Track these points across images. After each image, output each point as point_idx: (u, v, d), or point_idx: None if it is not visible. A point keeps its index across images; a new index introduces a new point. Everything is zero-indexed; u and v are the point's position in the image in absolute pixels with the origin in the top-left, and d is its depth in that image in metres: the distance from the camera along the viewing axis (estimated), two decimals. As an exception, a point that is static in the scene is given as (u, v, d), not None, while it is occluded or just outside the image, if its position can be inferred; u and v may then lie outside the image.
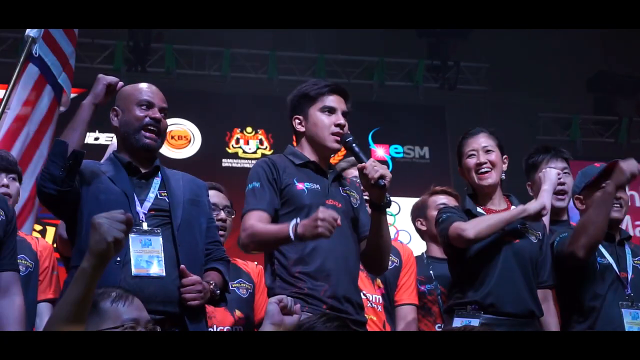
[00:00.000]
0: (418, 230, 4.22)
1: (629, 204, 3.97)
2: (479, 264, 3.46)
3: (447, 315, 3.54)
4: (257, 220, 3.06)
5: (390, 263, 3.59)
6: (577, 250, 3.45)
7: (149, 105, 3.01)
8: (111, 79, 2.99)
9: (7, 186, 3.48)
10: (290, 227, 2.86)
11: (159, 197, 3.02)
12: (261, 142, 9.20)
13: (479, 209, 3.59)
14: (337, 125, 3.13)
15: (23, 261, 3.42)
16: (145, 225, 2.92)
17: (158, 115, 2.99)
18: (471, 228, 3.36)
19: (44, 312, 3.43)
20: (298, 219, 2.89)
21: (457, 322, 3.33)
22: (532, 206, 3.39)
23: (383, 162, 3.17)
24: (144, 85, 3.15)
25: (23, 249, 3.48)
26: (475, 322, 3.26)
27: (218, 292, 2.88)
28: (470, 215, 3.55)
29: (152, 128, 2.99)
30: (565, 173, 3.91)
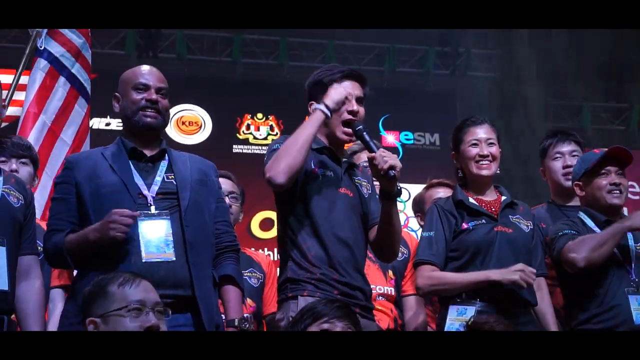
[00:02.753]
0: (420, 225, 4.23)
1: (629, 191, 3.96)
2: (475, 253, 3.46)
3: (442, 304, 3.55)
4: None
5: (400, 254, 3.62)
6: (578, 261, 3.42)
7: (145, 87, 3.02)
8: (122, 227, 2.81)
9: (17, 171, 3.50)
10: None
11: (166, 180, 3.00)
12: (272, 128, 9.27)
13: (471, 200, 3.58)
14: (350, 112, 3.11)
15: (38, 247, 3.42)
16: (153, 209, 2.90)
17: (154, 96, 2.98)
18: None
19: (57, 298, 3.42)
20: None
21: (453, 310, 3.36)
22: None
23: (394, 149, 3.15)
24: (140, 68, 3.17)
25: (38, 235, 3.41)
26: (470, 310, 3.28)
27: (247, 325, 2.87)
28: (463, 206, 3.53)
29: (149, 110, 3.00)
30: (574, 156, 3.88)
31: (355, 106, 3.08)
